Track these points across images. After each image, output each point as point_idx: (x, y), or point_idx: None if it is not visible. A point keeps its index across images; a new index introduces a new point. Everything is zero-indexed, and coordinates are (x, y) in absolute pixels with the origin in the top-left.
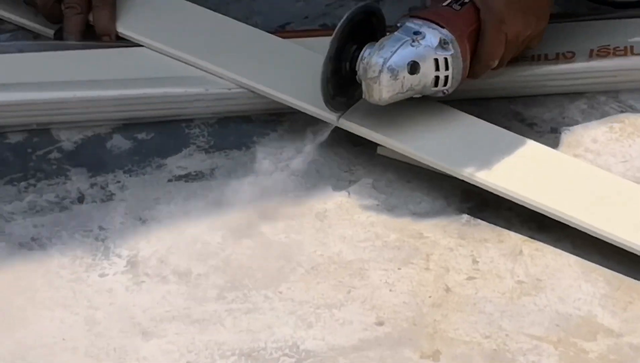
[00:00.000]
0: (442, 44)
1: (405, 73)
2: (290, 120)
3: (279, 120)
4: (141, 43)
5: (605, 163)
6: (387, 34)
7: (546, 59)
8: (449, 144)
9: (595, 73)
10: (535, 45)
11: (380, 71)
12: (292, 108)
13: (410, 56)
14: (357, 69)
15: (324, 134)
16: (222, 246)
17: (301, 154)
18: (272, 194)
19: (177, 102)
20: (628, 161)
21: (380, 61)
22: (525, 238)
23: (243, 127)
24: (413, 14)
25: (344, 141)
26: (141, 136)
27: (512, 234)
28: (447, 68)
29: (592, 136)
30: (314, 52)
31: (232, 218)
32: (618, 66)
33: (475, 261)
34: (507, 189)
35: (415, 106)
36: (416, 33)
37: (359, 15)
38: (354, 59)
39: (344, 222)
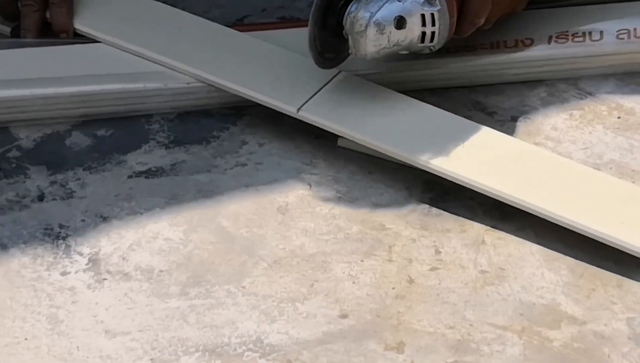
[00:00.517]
0: (429, 0)
1: (392, 28)
2: (251, 114)
3: (240, 114)
4: (99, 39)
5: (566, 150)
6: None
7: (505, 46)
8: (409, 134)
9: (554, 60)
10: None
11: (367, 25)
12: (252, 102)
13: (396, 11)
14: (344, 23)
15: (285, 127)
16: (184, 242)
17: (262, 147)
18: (233, 188)
19: (136, 98)
20: (588, 148)
21: (367, 15)
22: (488, 227)
23: (203, 122)
24: None
25: (305, 133)
26: (100, 132)
27: (475, 224)
28: (433, 24)
29: (552, 124)
30: (272, 45)
31: (194, 213)
32: (577, 53)
33: (438, 252)
34: (468, 178)
35: (376, 96)
36: None
37: None
38: (341, 14)
39: (305, 215)
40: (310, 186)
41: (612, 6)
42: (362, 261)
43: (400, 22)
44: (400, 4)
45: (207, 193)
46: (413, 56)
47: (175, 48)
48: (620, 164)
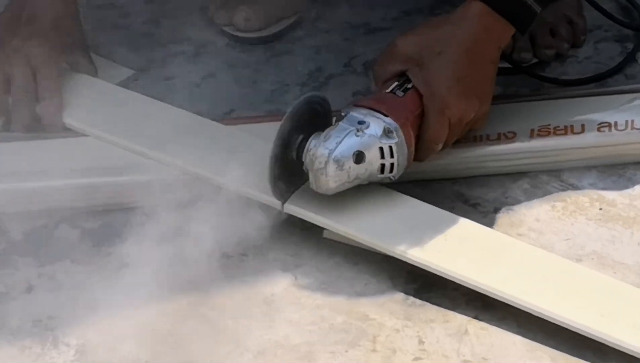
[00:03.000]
0: (387, 133)
1: (351, 163)
2: (237, 206)
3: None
4: (87, 133)
5: (549, 241)
6: (334, 121)
7: (488, 139)
8: (393, 226)
9: (536, 153)
10: (481, 126)
11: (327, 162)
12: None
13: (355, 146)
14: (303, 159)
15: (271, 219)
16: (171, 332)
17: (248, 239)
18: (219, 279)
19: (126, 190)
20: (570, 239)
21: (326, 152)
22: (471, 317)
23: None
24: (357, 103)
25: (290, 225)
26: (89, 225)
27: (458, 314)
28: (392, 156)
29: (535, 216)
30: (258, 138)
31: (181, 304)
32: (559, 146)
33: (421, 342)
34: (450, 270)
35: (360, 190)
36: (360, 123)
37: (304, 106)
38: (300, 148)
39: (291, 306)
40: (296, 277)
41: (592, 100)
42: (346, 351)
43: (359, 157)
44: (358, 138)
45: (193, 284)
46: None
47: (163, 142)
48: (602, 255)
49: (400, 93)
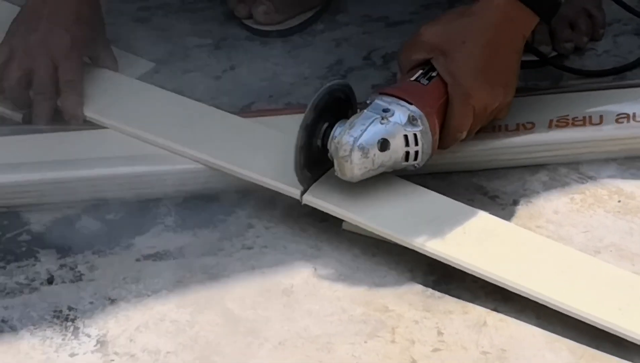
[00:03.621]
0: (411, 120)
1: (376, 151)
2: (257, 198)
3: (246, 198)
4: (108, 126)
5: (567, 233)
6: (358, 110)
7: (507, 130)
8: (411, 219)
9: (555, 145)
10: (504, 116)
11: (352, 150)
12: (258, 186)
13: (380, 134)
14: (328, 147)
15: (290, 211)
16: (191, 324)
17: (268, 231)
18: (239, 270)
19: (145, 181)
20: (589, 232)
21: (351, 140)
22: (489, 309)
23: (210, 206)
24: (382, 91)
25: (310, 217)
26: (109, 216)
27: (477, 306)
28: (416, 143)
29: (553, 208)
30: (277, 130)
31: (200, 295)
32: (577, 138)
33: (440, 333)
34: (469, 263)
35: (379, 182)
36: (385, 110)
37: (327, 94)
38: (325, 136)
39: (310, 297)
40: (315, 268)
41: (611, 92)
42: (365, 342)
43: (384, 145)
44: (383, 126)
45: (213, 275)
46: None
47: (182, 134)
48: (621, 247)
49: (424, 81)
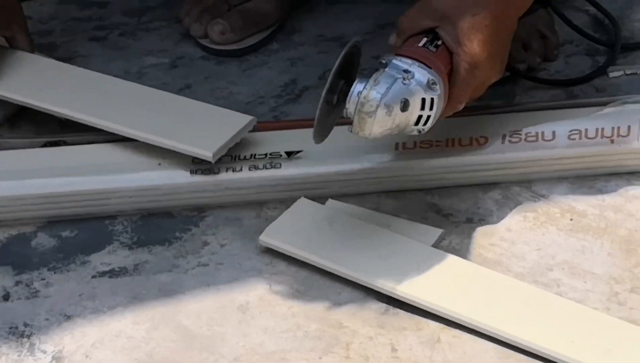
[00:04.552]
0: (430, 85)
1: (398, 110)
2: (213, 215)
3: (201, 215)
4: (19, 102)
5: (520, 251)
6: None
7: (460, 145)
8: (365, 256)
9: (508, 164)
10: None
11: (377, 106)
12: (214, 204)
13: (403, 94)
14: (347, 102)
15: (245, 229)
16: (146, 340)
17: (223, 248)
18: (194, 287)
19: (102, 199)
20: (542, 249)
21: (378, 96)
22: (443, 325)
23: (166, 223)
24: (399, 52)
25: None
26: (65, 233)
27: (430, 322)
28: (431, 108)
29: (506, 226)
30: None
31: (156, 312)
32: (530, 156)
33: (394, 350)
34: (425, 300)
35: (333, 222)
36: (406, 71)
37: (351, 49)
38: (341, 93)
39: (265, 313)
40: (270, 285)
41: (563, 111)
42: (320, 358)
43: (405, 105)
44: (405, 86)
45: (169, 292)
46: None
47: (98, 108)
48: (573, 264)
49: (432, 49)
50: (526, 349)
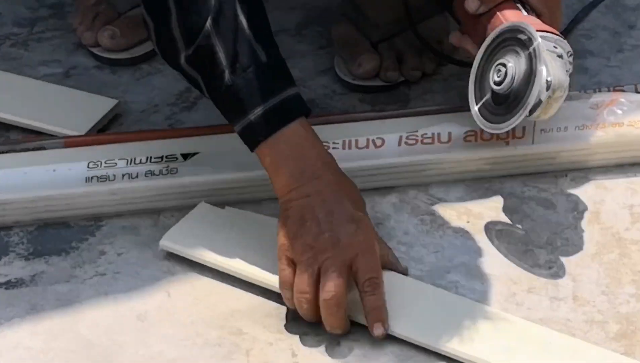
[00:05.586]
0: (569, 55)
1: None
2: (109, 224)
3: (98, 225)
4: None
5: (418, 254)
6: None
7: (357, 147)
8: (265, 258)
9: (404, 167)
10: None
11: (565, 90)
12: (110, 213)
13: (566, 73)
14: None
15: (142, 238)
16: (45, 350)
17: (120, 257)
18: (92, 297)
19: None
20: (439, 252)
21: (567, 80)
22: None
23: (62, 233)
24: (538, 28)
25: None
26: None
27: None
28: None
29: (404, 229)
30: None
31: (54, 322)
32: (426, 160)
33: (294, 355)
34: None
35: (234, 225)
36: (555, 47)
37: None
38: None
39: (164, 322)
40: (169, 293)
41: (459, 114)
42: None
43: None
44: (563, 62)
45: (66, 302)
46: None
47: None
48: (470, 266)
49: (532, 14)
50: (428, 348)
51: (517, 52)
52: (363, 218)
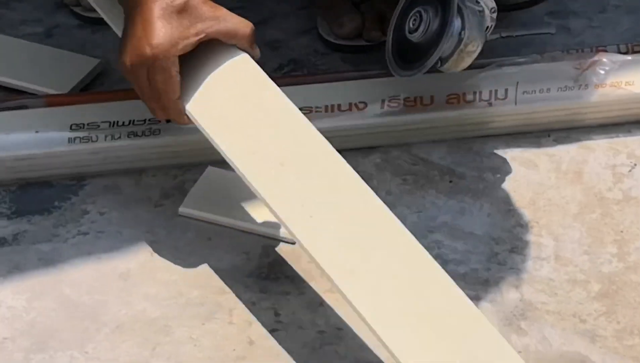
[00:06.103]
0: (492, 12)
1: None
2: (92, 184)
3: (81, 184)
4: None
5: (401, 214)
6: None
7: (339, 110)
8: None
9: (387, 127)
10: None
11: (479, 45)
12: (93, 172)
13: (482, 28)
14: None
15: (125, 197)
16: (27, 310)
17: (103, 216)
18: (75, 256)
19: None
20: (422, 212)
21: (482, 36)
22: (325, 290)
23: (45, 192)
24: None
25: (144, 203)
26: None
27: (313, 286)
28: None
29: (386, 189)
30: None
31: (36, 281)
32: (409, 120)
33: (277, 314)
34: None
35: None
36: (477, 2)
37: None
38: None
39: (147, 281)
40: (152, 253)
41: (441, 75)
42: (203, 324)
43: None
44: (480, 15)
45: (49, 261)
46: None
47: None
48: (453, 226)
49: None
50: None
51: (436, 3)
52: None
